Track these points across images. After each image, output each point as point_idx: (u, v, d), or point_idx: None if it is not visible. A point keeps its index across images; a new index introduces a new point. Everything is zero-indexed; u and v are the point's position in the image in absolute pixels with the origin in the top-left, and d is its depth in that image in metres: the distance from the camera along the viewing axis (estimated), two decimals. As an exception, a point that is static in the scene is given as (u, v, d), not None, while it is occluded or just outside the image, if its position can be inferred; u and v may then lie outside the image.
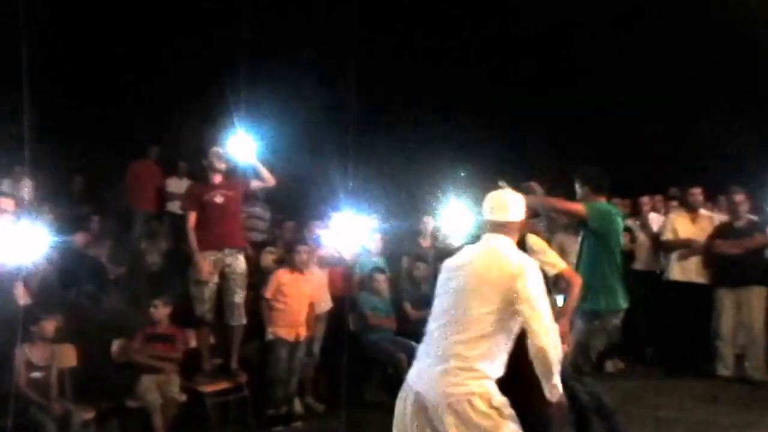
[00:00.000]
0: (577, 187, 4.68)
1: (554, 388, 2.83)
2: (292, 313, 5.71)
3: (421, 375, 2.96)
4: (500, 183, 3.96)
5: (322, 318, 6.19)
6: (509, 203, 3.14)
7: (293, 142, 8.48)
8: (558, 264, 4.00)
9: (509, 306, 2.85)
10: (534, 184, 4.73)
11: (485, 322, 2.86)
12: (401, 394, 3.05)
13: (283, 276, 5.78)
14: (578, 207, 4.51)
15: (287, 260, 5.90)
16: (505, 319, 2.87)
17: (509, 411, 2.85)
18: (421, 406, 2.92)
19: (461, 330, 2.89)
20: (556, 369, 2.83)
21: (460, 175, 9.21)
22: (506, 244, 3.06)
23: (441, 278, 3.13)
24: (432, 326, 3.03)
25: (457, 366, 2.84)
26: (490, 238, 3.09)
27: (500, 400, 2.84)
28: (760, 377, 6.41)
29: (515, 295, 2.84)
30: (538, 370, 2.83)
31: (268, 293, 5.70)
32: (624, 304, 4.54)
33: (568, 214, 4.51)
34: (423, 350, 3.04)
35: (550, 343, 2.81)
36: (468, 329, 2.88)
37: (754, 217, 6.76)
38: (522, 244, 4.03)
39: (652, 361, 7.01)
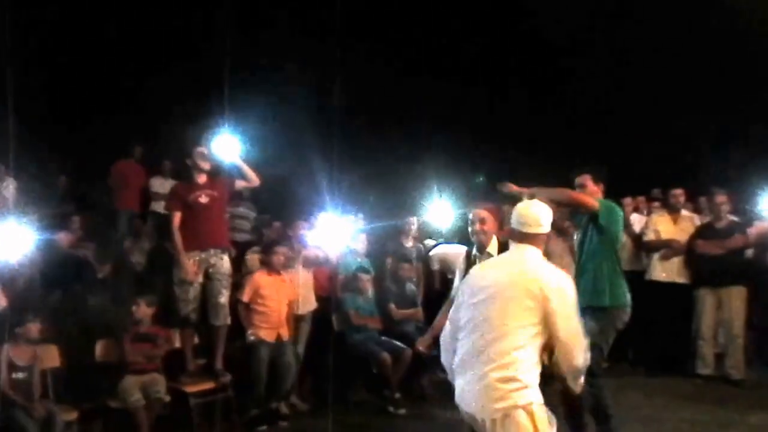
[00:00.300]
0: (589, 184, 4.70)
1: (579, 385, 3.10)
2: (272, 314, 5.72)
3: (464, 394, 3.00)
4: (499, 187, 4.20)
5: (307, 318, 6.20)
6: (540, 215, 3.20)
7: (278, 142, 8.48)
8: None
9: (543, 319, 2.92)
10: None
11: (521, 334, 2.92)
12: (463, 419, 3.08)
13: (261, 278, 5.79)
14: (593, 200, 4.53)
15: (265, 261, 5.90)
16: (539, 331, 2.93)
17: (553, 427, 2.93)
18: (475, 424, 2.98)
19: (498, 342, 2.93)
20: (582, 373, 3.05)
21: (445, 176, 9.24)
22: (536, 255, 3.14)
23: (468, 288, 3.16)
24: (465, 339, 3.05)
25: (497, 379, 2.88)
26: (520, 249, 3.16)
27: (542, 416, 2.88)
28: (739, 376, 6.50)
29: (549, 309, 2.91)
30: (568, 376, 3.04)
31: (245, 296, 5.70)
32: (629, 300, 4.53)
33: (583, 207, 4.53)
34: (459, 365, 3.06)
35: (581, 358, 2.98)
36: (504, 341, 2.92)
37: (735, 218, 6.85)
38: (506, 247, 4.19)
39: (634, 361, 7.08)
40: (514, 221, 3.23)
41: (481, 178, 9.00)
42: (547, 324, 2.92)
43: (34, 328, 4.69)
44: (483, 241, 4.29)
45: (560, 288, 2.98)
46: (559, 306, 2.93)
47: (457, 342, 3.09)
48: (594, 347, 3.99)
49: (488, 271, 3.17)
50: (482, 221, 4.29)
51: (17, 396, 4.43)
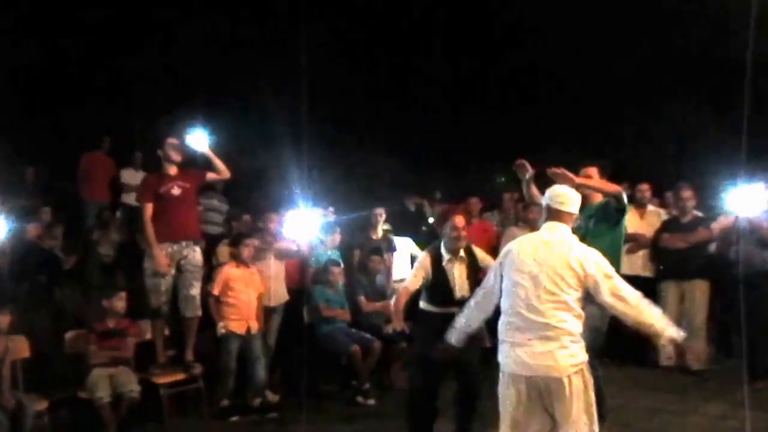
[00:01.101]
0: (595, 176, 4.93)
1: (671, 337, 3.48)
2: (241, 306, 5.75)
3: (534, 358, 3.31)
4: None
5: (278, 310, 6.23)
6: (574, 198, 3.62)
7: (249, 136, 8.48)
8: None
9: (585, 288, 3.36)
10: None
11: (573, 303, 3.34)
12: (509, 388, 3.40)
13: (230, 271, 5.81)
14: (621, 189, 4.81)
15: (234, 254, 5.92)
16: (581, 297, 3.37)
17: None
18: (536, 390, 3.34)
19: (559, 312, 3.32)
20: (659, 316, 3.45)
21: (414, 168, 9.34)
22: (568, 231, 3.53)
23: (513, 262, 3.48)
24: (520, 312, 3.37)
25: (568, 341, 3.31)
26: (557, 227, 3.52)
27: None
28: (699, 367, 6.65)
29: (590, 281, 3.34)
30: (645, 325, 3.47)
31: (215, 289, 5.72)
32: None
33: (613, 196, 4.77)
34: (516, 336, 3.38)
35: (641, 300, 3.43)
36: (563, 310, 3.32)
37: (700, 213, 7.00)
38: (470, 250, 4.55)
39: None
40: (551, 200, 3.59)
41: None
42: (590, 291, 3.36)
43: (3, 319, 4.65)
44: (460, 246, 4.58)
45: (596, 261, 3.39)
46: (601, 268, 3.38)
47: (507, 317, 3.42)
48: (596, 330, 4.37)
49: (536, 249, 3.45)
50: (463, 228, 4.59)
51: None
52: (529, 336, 3.33)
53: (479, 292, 3.72)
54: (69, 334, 5.28)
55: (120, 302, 5.19)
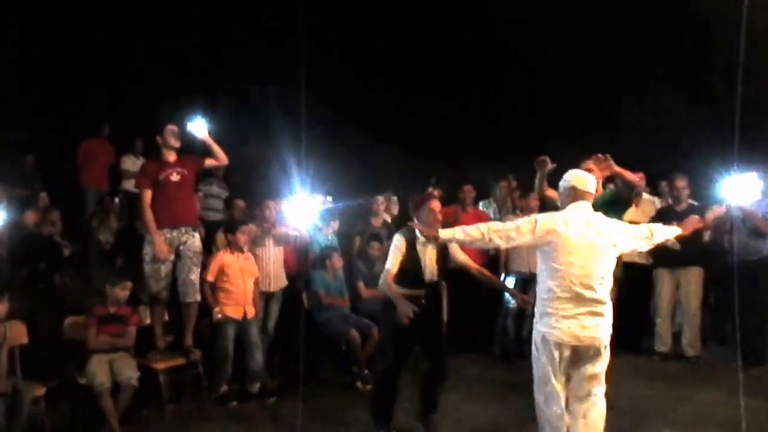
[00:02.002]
0: (595, 169, 5.02)
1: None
2: (237, 292, 5.77)
3: (576, 332, 3.70)
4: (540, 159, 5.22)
5: (277, 296, 6.26)
6: (593, 180, 4.04)
7: (247, 122, 8.47)
8: (460, 253, 4.83)
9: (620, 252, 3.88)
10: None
11: (609, 277, 3.78)
12: (552, 353, 3.75)
13: (224, 257, 5.83)
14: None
15: (229, 241, 5.94)
16: None
17: None
18: (576, 355, 3.75)
19: (602, 287, 3.74)
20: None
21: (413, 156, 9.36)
22: (592, 209, 3.91)
23: (562, 242, 3.75)
24: (570, 287, 3.71)
25: (607, 314, 3.76)
26: (586, 206, 3.91)
27: None
28: (694, 353, 6.74)
29: (626, 243, 3.88)
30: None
31: (209, 276, 5.73)
32: None
33: (638, 188, 5.35)
34: (566, 310, 3.72)
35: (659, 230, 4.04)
36: (606, 285, 3.75)
37: (694, 202, 7.05)
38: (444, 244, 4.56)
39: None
40: (578, 182, 3.94)
41: (433, 179, 9.07)
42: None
43: (1, 306, 4.64)
44: (431, 233, 4.55)
45: (621, 229, 3.88)
46: (625, 244, 3.88)
47: (558, 292, 3.73)
48: None
49: (582, 230, 3.78)
50: (437, 213, 4.67)
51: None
52: (580, 310, 3.70)
53: (503, 238, 3.87)
54: (68, 321, 5.27)
55: (123, 291, 5.19)
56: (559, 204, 4.13)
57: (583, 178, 3.98)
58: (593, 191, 4.01)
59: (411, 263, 4.65)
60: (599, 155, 5.07)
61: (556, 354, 3.75)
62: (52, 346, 5.31)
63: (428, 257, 4.67)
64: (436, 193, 7.58)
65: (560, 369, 3.78)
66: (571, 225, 3.78)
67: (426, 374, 4.80)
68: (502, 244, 3.92)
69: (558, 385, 3.80)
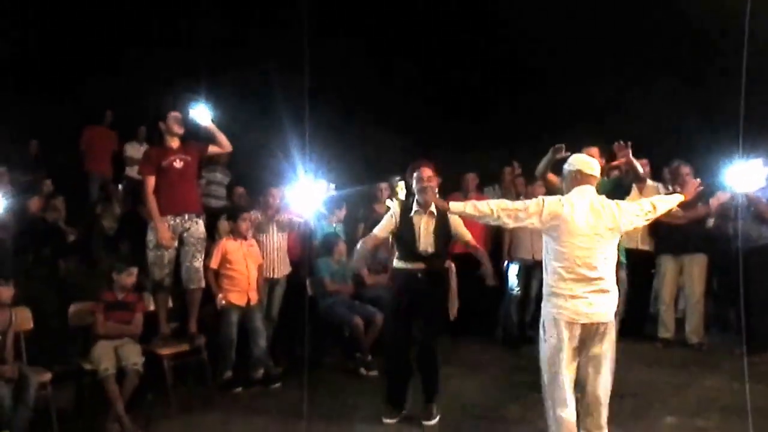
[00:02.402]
0: (596, 157, 5.11)
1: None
2: (240, 279, 5.79)
3: (585, 311, 3.82)
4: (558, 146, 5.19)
5: (281, 282, 6.26)
6: (597, 163, 4.11)
7: (250, 108, 8.45)
8: (467, 236, 4.78)
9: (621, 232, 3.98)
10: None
11: (614, 250, 3.92)
12: (562, 333, 3.84)
13: (227, 244, 5.83)
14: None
15: (231, 228, 5.93)
16: None
17: None
18: (586, 333, 3.85)
19: (607, 265, 3.86)
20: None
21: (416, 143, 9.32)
22: (595, 192, 4.01)
23: (567, 225, 3.84)
24: (576, 269, 3.82)
25: (614, 288, 3.91)
26: (591, 190, 3.99)
27: None
28: (697, 340, 6.74)
29: (627, 222, 3.95)
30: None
31: (212, 263, 5.74)
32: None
33: (639, 175, 5.45)
34: (574, 290, 3.83)
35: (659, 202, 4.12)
36: (608, 261, 3.87)
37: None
38: (444, 218, 4.58)
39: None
40: (584, 166, 4.02)
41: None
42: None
43: (6, 291, 4.65)
44: (429, 198, 4.62)
45: (622, 210, 3.96)
46: (626, 224, 3.96)
47: (564, 273, 3.83)
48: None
49: (586, 213, 3.87)
50: (430, 179, 4.65)
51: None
52: (588, 290, 3.81)
53: (512, 216, 3.96)
54: (73, 307, 5.28)
55: (129, 278, 5.19)
56: (563, 188, 4.17)
57: (589, 162, 4.05)
58: (598, 175, 4.07)
59: (404, 232, 4.66)
60: (621, 142, 5.23)
61: (566, 334, 3.84)
62: (57, 332, 5.34)
63: (423, 227, 4.63)
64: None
65: (569, 349, 3.86)
66: (576, 209, 3.87)
67: (416, 357, 4.80)
68: (510, 223, 3.98)
69: (565, 366, 3.86)
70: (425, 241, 4.62)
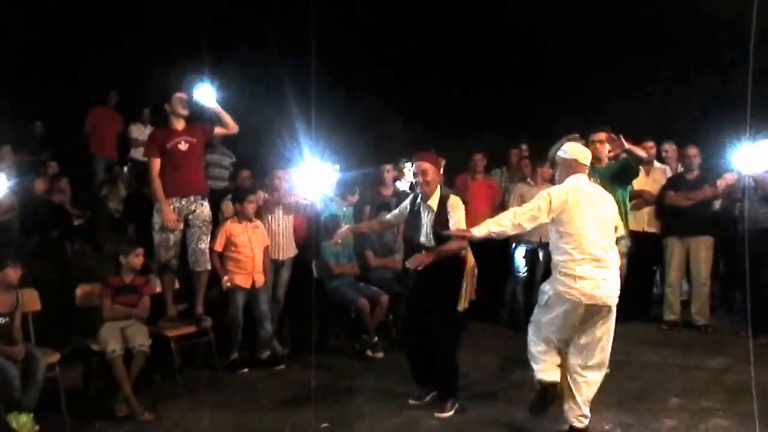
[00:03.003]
0: (605, 141, 5.44)
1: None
2: (245, 261, 5.77)
3: (602, 287, 3.97)
4: (573, 136, 5.23)
5: (287, 264, 6.27)
6: (589, 153, 4.31)
7: (255, 89, 8.41)
8: (457, 223, 4.49)
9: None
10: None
11: (613, 234, 4.14)
12: (567, 311, 4.01)
13: (232, 227, 5.80)
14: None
15: (237, 210, 5.92)
16: None
17: None
18: (589, 313, 4.01)
19: (612, 249, 4.06)
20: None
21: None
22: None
23: (572, 211, 4.01)
24: (585, 250, 3.96)
25: (617, 271, 4.09)
26: (585, 178, 4.19)
27: None
28: (703, 322, 6.74)
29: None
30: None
31: (217, 246, 5.71)
32: None
33: (641, 160, 5.52)
34: (582, 272, 3.96)
35: None
36: (612, 244, 4.08)
37: (705, 171, 6.99)
38: (444, 201, 4.52)
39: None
40: (579, 156, 4.20)
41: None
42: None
43: (13, 273, 4.65)
44: (426, 192, 4.59)
45: (612, 202, 4.25)
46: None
47: (574, 255, 3.97)
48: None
49: (588, 200, 4.05)
50: (423, 173, 4.57)
51: (-1, 341, 4.42)
52: (596, 271, 3.95)
53: (529, 219, 4.06)
54: (80, 288, 5.29)
55: (136, 259, 5.18)
56: (557, 174, 4.33)
57: (584, 152, 4.25)
58: (588, 164, 4.27)
59: (410, 220, 4.68)
60: (612, 135, 5.34)
61: (572, 315, 4.00)
62: (64, 313, 5.35)
63: (426, 219, 4.62)
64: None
65: (568, 326, 4.06)
66: (579, 194, 4.05)
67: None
68: (529, 226, 4.09)
69: (557, 338, 4.15)
70: (426, 233, 4.59)
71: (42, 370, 4.47)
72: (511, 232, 4.11)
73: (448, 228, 4.43)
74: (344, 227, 6.38)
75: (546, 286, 4.19)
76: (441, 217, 4.54)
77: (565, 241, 4.02)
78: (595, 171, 5.28)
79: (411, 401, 4.78)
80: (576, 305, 3.98)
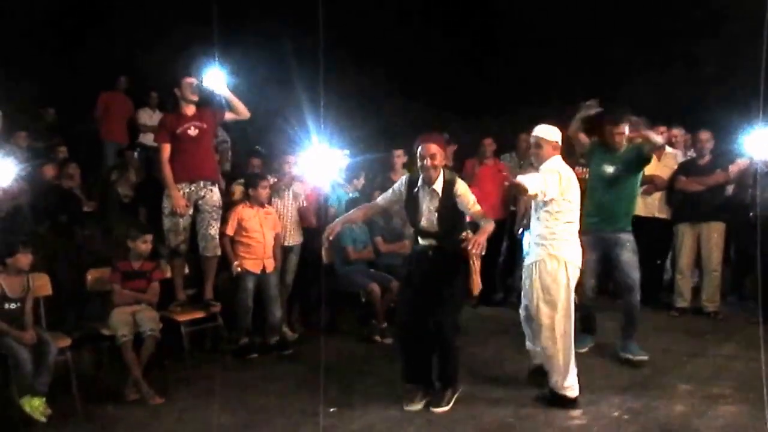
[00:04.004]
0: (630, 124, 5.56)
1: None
2: (256, 246, 5.76)
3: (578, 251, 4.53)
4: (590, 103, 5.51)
5: (295, 250, 6.27)
6: None
7: (264, 74, 8.38)
8: (474, 207, 4.45)
9: None
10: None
11: None
12: (557, 267, 4.43)
13: (243, 211, 5.79)
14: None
15: (248, 195, 5.90)
16: None
17: None
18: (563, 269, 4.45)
19: None
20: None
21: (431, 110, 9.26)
22: None
23: (573, 186, 4.45)
24: (576, 215, 4.51)
25: None
26: (560, 159, 4.56)
27: None
28: (713, 309, 6.70)
29: None
30: None
31: (228, 230, 5.71)
32: None
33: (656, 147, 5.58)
34: (574, 234, 4.51)
35: None
36: None
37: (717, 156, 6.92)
38: (451, 185, 4.39)
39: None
40: (558, 138, 4.55)
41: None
42: None
43: (24, 258, 4.67)
44: (431, 176, 4.42)
45: None
46: None
47: (575, 224, 4.50)
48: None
49: (573, 178, 4.49)
50: (432, 157, 4.39)
51: (10, 326, 4.44)
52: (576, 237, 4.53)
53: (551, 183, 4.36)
54: (90, 273, 5.32)
55: (144, 245, 5.19)
56: (535, 155, 4.58)
57: (558, 134, 4.58)
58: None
59: (409, 206, 4.55)
60: (633, 117, 5.57)
61: (572, 274, 4.46)
62: (74, 298, 5.39)
63: (426, 204, 4.45)
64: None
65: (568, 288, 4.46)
66: (570, 175, 4.47)
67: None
68: (549, 195, 4.34)
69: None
70: (427, 218, 4.46)
71: (53, 354, 4.50)
72: (532, 193, 4.27)
73: (454, 212, 4.42)
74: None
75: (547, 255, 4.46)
76: (447, 201, 4.41)
77: (565, 210, 4.43)
78: (612, 157, 5.42)
79: (407, 407, 4.49)
80: (565, 270, 4.46)
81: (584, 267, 4.83)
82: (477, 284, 4.51)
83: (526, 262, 4.64)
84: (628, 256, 5.34)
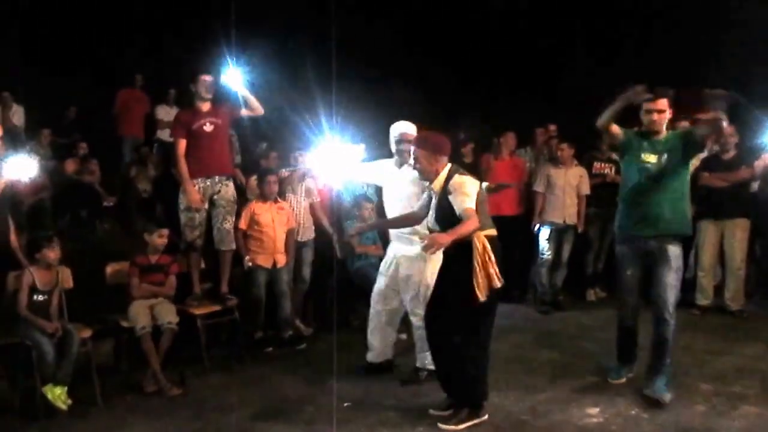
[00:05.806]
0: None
1: None
2: (267, 241, 5.79)
3: None
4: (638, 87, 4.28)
5: (309, 244, 6.29)
6: None
7: (278, 70, 8.41)
8: (462, 205, 3.98)
9: None
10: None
11: None
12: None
13: (256, 206, 5.83)
14: None
15: (260, 190, 5.92)
16: None
17: None
18: None
19: None
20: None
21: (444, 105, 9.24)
22: None
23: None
24: None
25: None
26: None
27: None
28: (737, 307, 6.57)
29: None
30: None
31: (241, 224, 5.75)
32: None
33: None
34: None
35: None
36: None
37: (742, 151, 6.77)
38: (447, 183, 4.14)
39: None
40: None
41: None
42: None
43: (51, 253, 4.75)
44: (421, 176, 4.30)
45: None
46: None
47: None
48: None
49: None
50: (417, 160, 4.23)
51: (36, 317, 4.56)
52: None
53: None
54: (110, 267, 5.39)
55: (159, 239, 5.23)
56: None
57: None
58: None
59: (426, 202, 4.39)
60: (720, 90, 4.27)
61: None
62: (95, 291, 5.45)
63: (435, 202, 4.26)
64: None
65: None
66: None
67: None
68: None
69: None
70: (430, 217, 4.28)
71: (76, 345, 4.58)
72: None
73: (450, 212, 4.02)
74: (368, 206, 6.32)
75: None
76: (444, 200, 4.10)
77: None
78: (653, 144, 4.51)
79: (431, 411, 4.29)
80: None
81: (623, 284, 4.64)
82: (482, 288, 3.91)
83: None
84: (671, 279, 4.52)
